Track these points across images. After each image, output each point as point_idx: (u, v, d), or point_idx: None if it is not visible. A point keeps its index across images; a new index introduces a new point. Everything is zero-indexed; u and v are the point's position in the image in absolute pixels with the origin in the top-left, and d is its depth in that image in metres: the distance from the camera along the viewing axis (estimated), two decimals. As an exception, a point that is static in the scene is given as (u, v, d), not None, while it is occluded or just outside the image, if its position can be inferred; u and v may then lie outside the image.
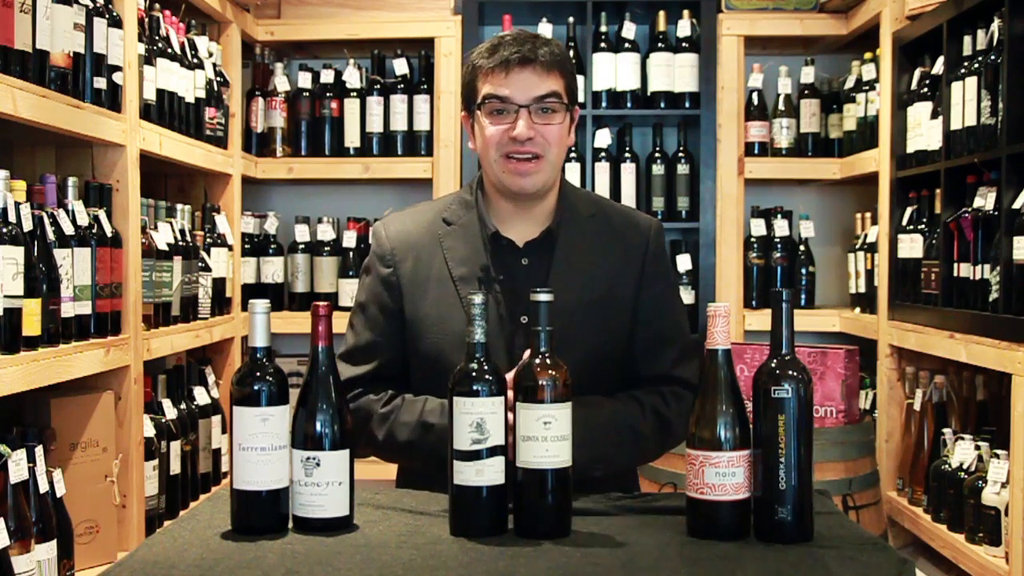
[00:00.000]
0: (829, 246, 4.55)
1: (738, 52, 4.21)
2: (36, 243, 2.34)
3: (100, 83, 2.68)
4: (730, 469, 1.63)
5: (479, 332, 1.68)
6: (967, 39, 3.21)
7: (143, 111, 2.98)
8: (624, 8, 4.26)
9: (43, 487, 2.30)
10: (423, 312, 2.08)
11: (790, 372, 1.64)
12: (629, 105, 4.24)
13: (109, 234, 2.68)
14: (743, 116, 4.28)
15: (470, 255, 2.09)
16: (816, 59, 4.42)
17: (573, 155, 4.22)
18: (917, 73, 3.63)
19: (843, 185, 4.45)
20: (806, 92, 4.36)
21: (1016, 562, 2.77)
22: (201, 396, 3.42)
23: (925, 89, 3.54)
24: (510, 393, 1.70)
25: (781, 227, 4.32)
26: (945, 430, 3.35)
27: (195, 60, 3.44)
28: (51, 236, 2.42)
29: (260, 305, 1.71)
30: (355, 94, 4.27)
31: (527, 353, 1.69)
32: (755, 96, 4.34)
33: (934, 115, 3.44)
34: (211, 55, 3.63)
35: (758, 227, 4.33)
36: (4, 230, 2.20)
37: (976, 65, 3.09)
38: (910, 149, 3.61)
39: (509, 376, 1.74)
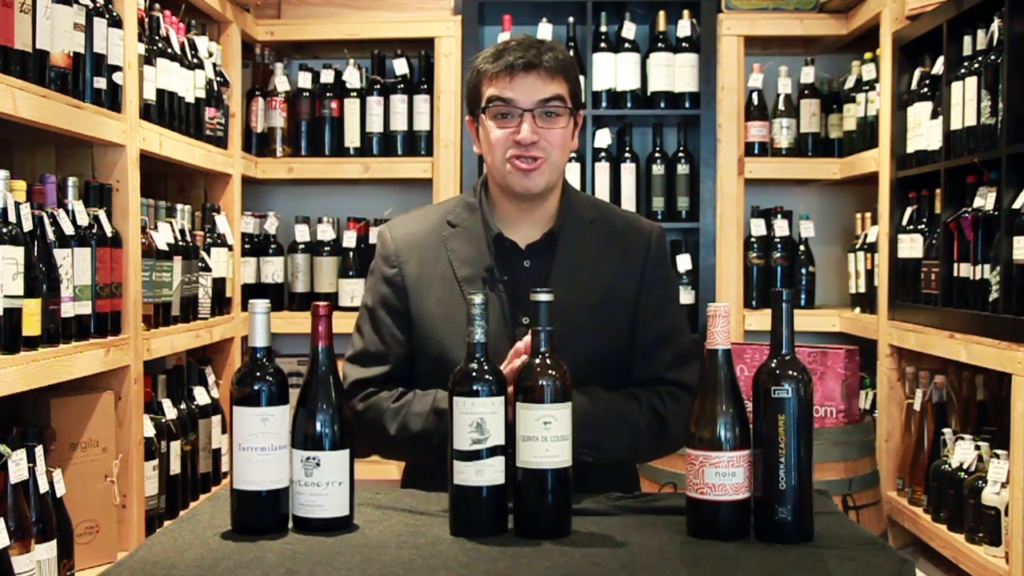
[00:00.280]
0: (829, 246, 4.55)
1: (738, 52, 4.21)
2: (36, 243, 2.34)
3: (100, 83, 2.68)
4: (730, 469, 1.63)
5: (479, 332, 1.68)
6: (967, 39, 3.21)
7: (143, 111, 2.98)
8: (624, 8, 4.26)
9: (43, 487, 2.30)
10: (428, 312, 2.09)
11: (790, 372, 1.64)
12: (629, 105, 4.24)
13: (109, 234, 2.68)
14: (743, 116, 4.28)
15: (474, 256, 2.10)
16: (816, 59, 4.42)
17: (573, 155, 4.22)
18: (917, 73, 3.63)
19: (843, 185, 4.45)
20: (806, 92, 4.36)
21: (1016, 562, 2.77)
22: (201, 396, 3.42)
23: (925, 89, 3.54)
24: (510, 388, 1.70)
25: (781, 227, 4.32)
26: (945, 430, 3.35)
27: (195, 60, 3.44)
28: (51, 236, 2.42)
29: (260, 305, 1.71)
30: (355, 94, 4.27)
31: (522, 343, 1.68)
32: (755, 96, 4.34)
33: (934, 115, 3.44)
34: (211, 55, 3.63)
35: (758, 227, 4.33)
36: (4, 230, 2.20)
37: (976, 65, 3.09)
38: (910, 149, 3.61)
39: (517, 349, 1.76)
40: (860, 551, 1.59)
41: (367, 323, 2.15)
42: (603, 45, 4.22)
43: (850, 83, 4.26)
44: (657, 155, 4.32)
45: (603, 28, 4.24)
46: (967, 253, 3.13)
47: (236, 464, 1.68)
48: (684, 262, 4.26)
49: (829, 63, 4.50)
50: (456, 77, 4.17)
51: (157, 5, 3.21)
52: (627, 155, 4.31)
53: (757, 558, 1.57)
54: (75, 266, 2.52)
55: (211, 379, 3.56)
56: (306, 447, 1.69)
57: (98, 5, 2.65)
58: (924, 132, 3.50)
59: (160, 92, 3.13)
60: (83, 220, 2.58)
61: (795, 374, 1.64)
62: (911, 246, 3.58)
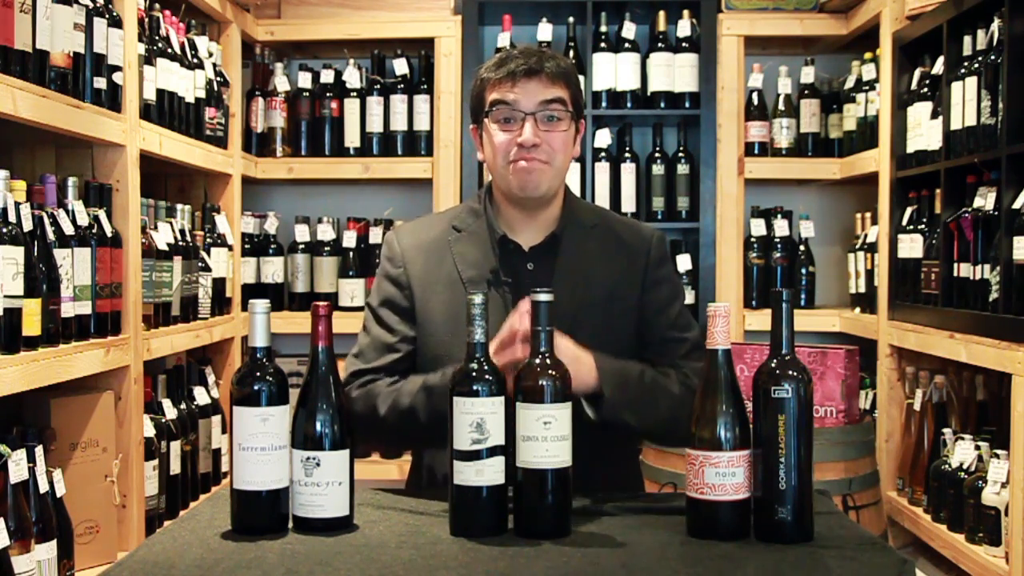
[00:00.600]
0: (829, 246, 4.55)
1: (738, 52, 4.21)
2: (36, 243, 2.34)
3: (100, 83, 2.68)
4: (730, 469, 1.63)
5: (479, 332, 1.69)
6: (967, 39, 3.21)
7: (143, 111, 2.98)
8: (624, 8, 4.26)
9: (43, 487, 2.30)
10: (432, 312, 2.12)
11: (790, 372, 1.64)
12: (629, 105, 4.24)
13: (109, 234, 2.68)
14: (743, 116, 4.28)
15: (479, 259, 2.14)
16: (816, 59, 4.42)
17: (573, 158, 4.21)
18: (917, 73, 3.63)
19: (843, 185, 4.45)
20: (806, 92, 4.36)
21: (1016, 562, 2.77)
22: (201, 396, 3.42)
23: (925, 89, 3.54)
24: (509, 381, 1.71)
25: (781, 227, 4.32)
26: (945, 430, 3.35)
27: (195, 60, 3.44)
28: (51, 236, 2.42)
29: (260, 305, 1.72)
30: (355, 94, 4.27)
31: (504, 325, 1.67)
32: (755, 96, 4.34)
33: (934, 115, 3.44)
34: (211, 55, 3.63)
35: (758, 227, 4.33)
36: (4, 230, 2.20)
37: (976, 65, 3.09)
38: (910, 149, 3.61)
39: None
40: (860, 551, 1.60)
41: (371, 321, 2.17)
42: (603, 45, 4.22)
43: (850, 83, 4.26)
44: (657, 155, 4.32)
45: (603, 28, 4.24)
46: (967, 253, 3.13)
47: (236, 464, 1.69)
48: (684, 262, 4.26)
49: (829, 63, 4.50)
50: (456, 77, 4.17)
51: (157, 5, 3.21)
52: (627, 155, 4.31)
53: (757, 558, 1.57)
54: (75, 266, 2.52)
55: (211, 379, 3.56)
56: (306, 447, 1.69)
57: (98, 5, 2.65)
58: (924, 132, 3.50)
59: (160, 92, 3.13)
60: (83, 220, 2.58)
61: (795, 374, 1.64)
62: (911, 246, 3.58)
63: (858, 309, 4.15)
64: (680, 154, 4.31)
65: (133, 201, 2.86)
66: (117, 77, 2.77)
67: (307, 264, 4.31)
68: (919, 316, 3.49)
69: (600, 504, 1.84)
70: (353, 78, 4.28)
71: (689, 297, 4.22)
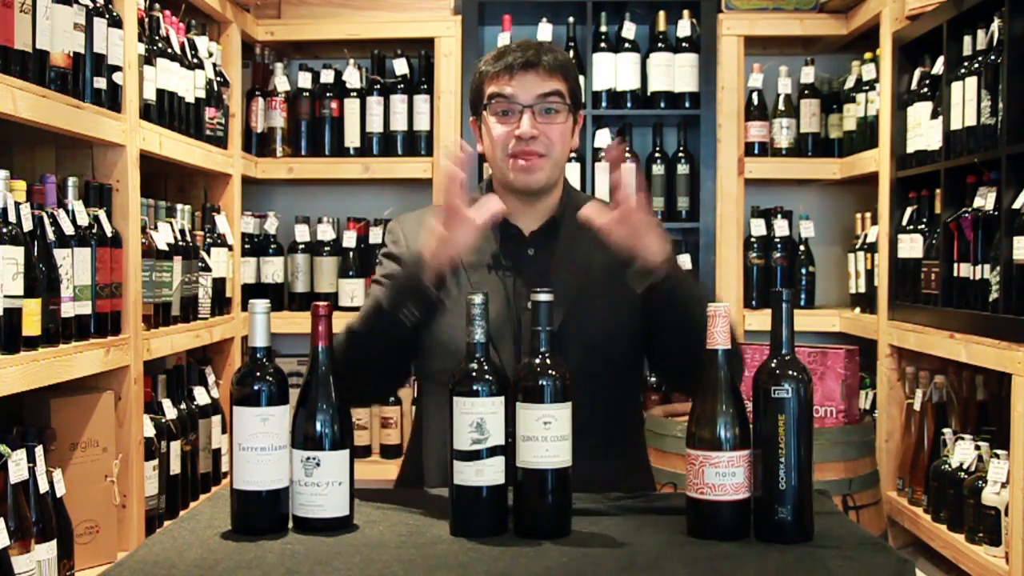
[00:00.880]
0: (829, 246, 4.54)
1: (738, 52, 4.21)
2: (36, 243, 2.34)
3: (100, 83, 2.68)
4: (730, 469, 1.63)
5: (479, 332, 1.69)
6: (967, 39, 3.21)
7: (143, 111, 2.98)
8: (624, 8, 4.25)
9: (43, 487, 2.30)
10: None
11: (790, 372, 1.64)
12: (629, 105, 4.23)
13: (109, 234, 2.68)
14: (743, 116, 4.28)
15: (480, 243, 2.12)
16: (816, 59, 4.42)
17: (573, 155, 4.21)
18: (917, 73, 3.63)
19: (843, 185, 4.45)
20: (806, 92, 4.36)
21: (1016, 562, 2.77)
22: (201, 396, 3.42)
23: (925, 89, 3.54)
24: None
25: (781, 227, 4.32)
26: (945, 430, 3.35)
27: (195, 60, 3.44)
28: (51, 236, 2.42)
29: (260, 305, 1.72)
30: (355, 94, 4.27)
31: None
32: (755, 96, 4.34)
33: (934, 115, 3.44)
34: (211, 55, 3.63)
35: (758, 227, 4.33)
36: (4, 230, 2.20)
37: (976, 65, 3.09)
38: (910, 149, 3.61)
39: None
40: (860, 551, 1.60)
41: (372, 289, 2.18)
42: (603, 45, 4.22)
43: (850, 83, 4.26)
44: (657, 155, 4.32)
45: (603, 28, 4.24)
46: (967, 253, 3.13)
47: (236, 464, 1.69)
48: (684, 262, 4.26)
49: (829, 63, 4.50)
50: (456, 77, 4.17)
51: (157, 5, 3.21)
52: (627, 155, 4.31)
53: (757, 558, 1.57)
54: (75, 266, 2.52)
55: (211, 379, 3.56)
56: (306, 447, 1.69)
57: (98, 5, 2.65)
58: (924, 132, 3.50)
59: (160, 92, 3.13)
60: (83, 220, 2.58)
61: (795, 374, 1.64)
62: (911, 246, 3.58)
63: (858, 309, 4.15)
64: (680, 154, 4.31)
65: (133, 201, 2.86)
66: (117, 77, 2.77)
67: (307, 264, 4.31)
68: (919, 316, 3.49)
69: (600, 504, 1.84)
70: (353, 78, 4.28)
71: (689, 297, 4.22)
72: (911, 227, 3.61)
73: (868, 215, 4.16)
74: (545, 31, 4.23)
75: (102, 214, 2.67)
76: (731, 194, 4.23)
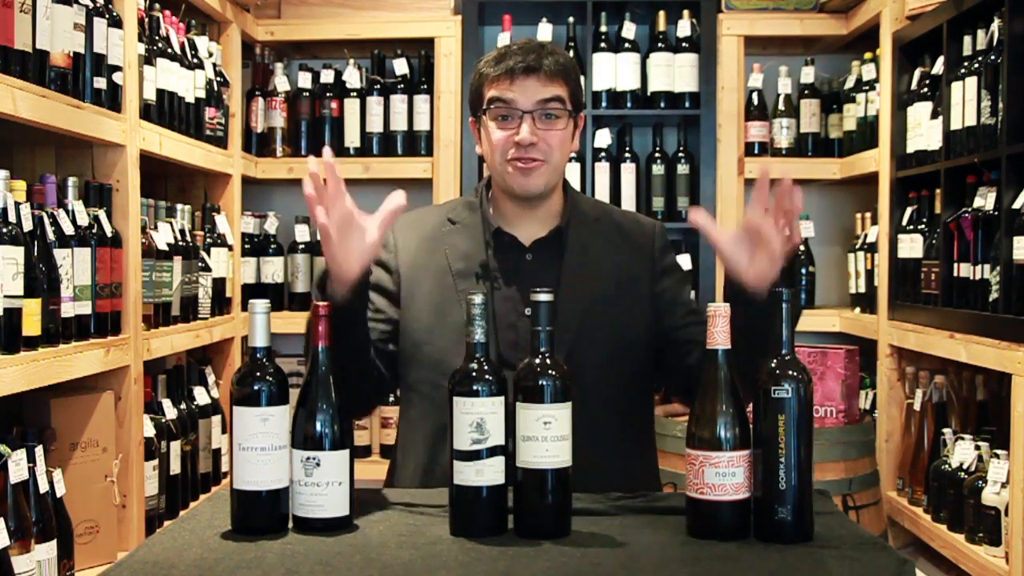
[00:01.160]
0: (829, 246, 4.54)
1: (738, 52, 4.21)
2: (36, 243, 2.34)
3: (100, 83, 2.68)
4: (730, 469, 1.63)
5: (479, 332, 1.68)
6: (967, 39, 3.21)
7: (143, 111, 2.98)
8: (624, 8, 4.25)
9: (43, 487, 2.30)
10: (417, 299, 2.14)
11: (790, 372, 1.64)
12: (629, 105, 4.23)
13: (109, 234, 2.68)
14: (743, 116, 4.28)
15: (471, 251, 2.14)
16: (816, 59, 4.42)
17: (573, 155, 4.20)
18: (917, 73, 3.63)
19: (843, 185, 4.45)
20: (806, 92, 4.36)
21: (1016, 562, 2.77)
22: (201, 396, 3.42)
23: (925, 89, 3.54)
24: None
25: (781, 227, 4.31)
26: (945, 430, 3.35)
27: (195, 60, 3.44)
28: (51, 236, 2.42)
29: (260, 305, 1.71)
30: (355, 94, 4.27)
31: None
32: (755, 96, 4.34)
33: (934, 115, 3.44)
34: (211, 55, 3.63)
35: (758, 227, 4.32)
36: (4, 230, 2.20)
37: (976, 65, 3.09)
38: (910, 149, 3.61)
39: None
40: (860, 551, 1.59)
41: None
42: (603, 45, 4.22)
43: (850, 83, 4.26)
44: (657, 155, 4.32)
45: (603, 28, 4.24)
46: (967, 253, 3.13)
47: (236, 464, 1.68)
48: (684, 262, 4.25)
49: (829, 63, 4.50)
50: (456, 77, 4.17)
51: (157, 5, 3.21)
52: (627, 155, 4.31)
53: (757, 558, 1.57)
54: (75, 266, 2.52)
55: (211, 379, 3.56)
56: (306, 447, 1.69)
57: (98, 5, 2.65)
58: (924, 132, 3.50)
59: (160, 92, 3.13)
60: (83, 220, 2.58)
61: (795, 374, 1.64)
62: (911, 246, 3.58)
63: (858, 309, 4.15)
64: (680, 154, 4.31)
65: (133, 201, 2.86)
66: (117, 77, 2.77)
67: (307, 264, 4.31)
68: (919, 316, 3.49)
69: (600, 504, 1.83)
70: (353, 78, 4.28)
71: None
72: (911, 227, 3.61)
73: (868, 215, 4.16)
74: (545, 31, 4.23)
75: (102, 214, 2.67)
76: (731, 194, 4.23)
